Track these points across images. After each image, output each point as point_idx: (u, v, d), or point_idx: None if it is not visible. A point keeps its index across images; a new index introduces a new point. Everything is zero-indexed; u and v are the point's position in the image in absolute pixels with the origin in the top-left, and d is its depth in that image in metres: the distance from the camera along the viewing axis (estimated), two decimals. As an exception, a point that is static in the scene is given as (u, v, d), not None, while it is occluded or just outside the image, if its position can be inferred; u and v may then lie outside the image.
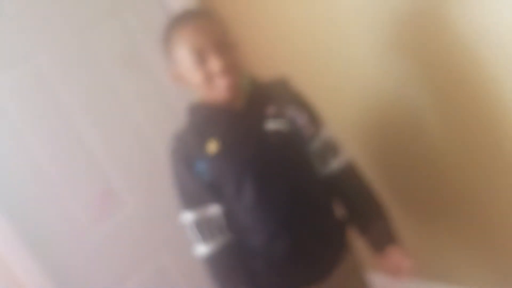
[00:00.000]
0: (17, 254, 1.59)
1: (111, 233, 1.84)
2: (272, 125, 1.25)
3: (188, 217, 1.29)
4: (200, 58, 1.17)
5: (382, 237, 1.34)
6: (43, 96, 1.72)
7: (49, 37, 1.75)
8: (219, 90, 1.20)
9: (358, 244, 1.46)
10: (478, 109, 1.47)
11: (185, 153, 1.27)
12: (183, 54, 1.18)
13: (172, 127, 1.34)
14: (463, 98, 1.48)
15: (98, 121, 1.84)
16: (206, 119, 1.28)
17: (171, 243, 1.96)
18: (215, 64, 1.16)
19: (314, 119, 1.34)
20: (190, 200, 1.28)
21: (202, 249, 1.29)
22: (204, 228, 1.27)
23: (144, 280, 1.90)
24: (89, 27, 1.84)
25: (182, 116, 1.34)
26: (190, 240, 1.32)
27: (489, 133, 1.49)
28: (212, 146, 1.24)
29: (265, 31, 1.96)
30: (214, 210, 1.27)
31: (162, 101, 2.01)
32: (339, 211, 1.40)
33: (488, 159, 1.54)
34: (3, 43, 1.66)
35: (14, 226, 1.59)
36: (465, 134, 1.56)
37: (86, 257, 1.78)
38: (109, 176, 1.86)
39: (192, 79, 1.21)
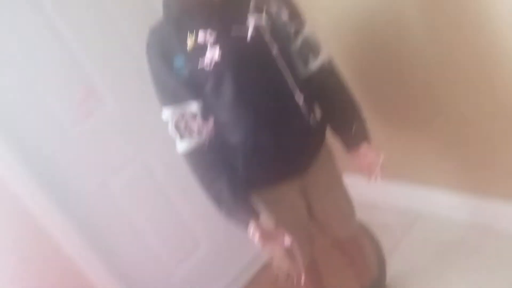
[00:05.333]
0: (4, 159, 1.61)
1: (93, 131, 1.86)
2: (253, 20, 1.21)
3: (166, 114, 1.29)
4: None
5: (356, 135, 1.37)
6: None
7: None
8: None
9: (334, 146, 1.51)
10: (462, 20, 1.46)
11: (163, 48, 1.24)
12: None
13: (151, 23, 1.30)
14: (447, 9, 1.47)
15: (77, 19, 1.79)
16: (184, 12, 1.23)
17: (154, 140, 2.00)
18: None
19: (296, 16, 1.30)
20: (168, 96, 1.27)
21: (181, 145, 1.31)
22: (182, 126, 1.28)
23: (129, 178, 1.96)
24: None
25: (160, 11, 1.29)
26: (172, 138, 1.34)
27: (471, 45, 1.50)
28: (191, 41, 1.21)
29: None
30: (192, 107, 1.27)
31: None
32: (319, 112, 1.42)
33: (469, 69, 1.57)
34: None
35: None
36: (448, 45, 1.56)
37: (70, 157, 1.81)
38: (90, 75, 1.84)
39: None
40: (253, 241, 1.31)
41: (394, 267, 1.97)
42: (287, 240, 1.24)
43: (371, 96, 1.92)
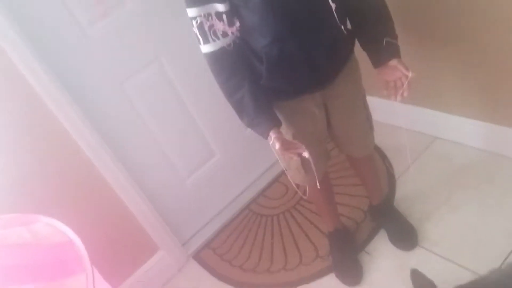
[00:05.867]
0: (21, 53, 1.57)
1: (110, 31, 1.80)
2: None
3: (191, 14, 1.23)
4: None
5: (387, 50, 1.32)
6: None
7: None
8: None
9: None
10: None
11: None
12: None
13: None
14: None
15: None
16: None
17: (173, 43, 1.95)
18: None
19: None
20: None
21: (205, 46, 1.26)
22: (207, 27, 1.22)
23: (145, 80, 1.93)
24: None
25: None
26: (194, 42, 1.28)
27: None
28: None
29: None
30: (218, 7, 1.21)
31: None
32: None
33: None
34: None
35: (20, 27, 1.56)
36: None
37: (87, 57, 1.77)
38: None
39: None
40: (273, 150, 1.32)
41: (403, 188, 2.01)
42: (306, 152, 1.25)
43: (403, 15, 1.83)
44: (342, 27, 1.28)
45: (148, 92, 1.96)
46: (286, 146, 1.26)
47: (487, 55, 1.70)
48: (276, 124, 1.29)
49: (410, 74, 1.29)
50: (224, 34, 1.23)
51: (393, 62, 1.32)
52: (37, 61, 1.60)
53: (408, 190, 1.99)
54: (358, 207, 2.02)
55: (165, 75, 1.99)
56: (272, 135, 1.26)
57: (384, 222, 1.86)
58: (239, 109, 1.31)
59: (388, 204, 1.89)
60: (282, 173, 2.21)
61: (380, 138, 1.75)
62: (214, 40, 1.24)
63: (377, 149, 2.19)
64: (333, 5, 1.21)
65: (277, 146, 1.24)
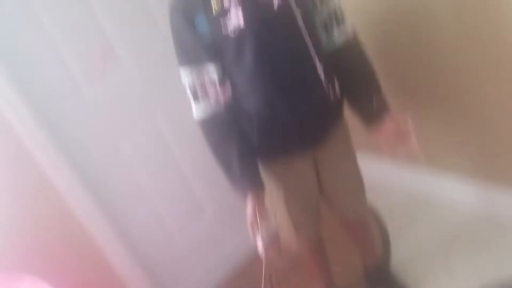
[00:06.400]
0: (22, 116, 1.61)
1: (108, 91, 1.85)
2: None
3: (184, 74, 1.28)
4: None
5: (377, 107, 1.34)
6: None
7: None
8: None
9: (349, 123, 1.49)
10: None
11: (186, 8, 1.22)
12: None
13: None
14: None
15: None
16: None
17: (169, 104, 2.00)
18: None
19: None
20: (187, 56, 1.26)
21: (197, 110, 1.30)
22: (199, 88, 1.27)
23: (140, 140, 1.96)
24: None
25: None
26: (187, 103, 1.32)
27: (488, 20, 1.47)
28: (216, 5, 1.19)
29: None
30: (210, 70, 1.25)
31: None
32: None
33: (486, 46, 1.54)
34: None
35: (19, 86, 1.60)
36: (466, 19, 1.54)
37: (84, 116, 1.81)
38: (108, 34, 1.82)
39: None
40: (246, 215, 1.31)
41: (399, 251, 1.97)
42: (260, 244, 1.25)
43: (390, 75, 1.89)
44: (331, 88, 1.32)
45: (142, 151, 1.97)
46: (254, 216, 1.27)
47: (486, 113, 1.72)
48: (257, 188, 1.30)
49: (407, 119, 1.30)
50: (216, 97, 1.27)
51: (387, 116, 1.34)
52: (32, 118, 1.63)
53: (403, 253, 1.95)
54: (354, 267, 1.96)
55: (159, 134, 2.02)
56: (250, 197, 1.28)
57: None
58: (226, 168, 1.32)
59: (384, 270, 1.85)
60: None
61: (373, 199, 1.74)
62: (205, 104, 1.28)
63: (370, 210, 2.17)
64: (321, 72, 1.26)
65: (248, 209, 1.26)
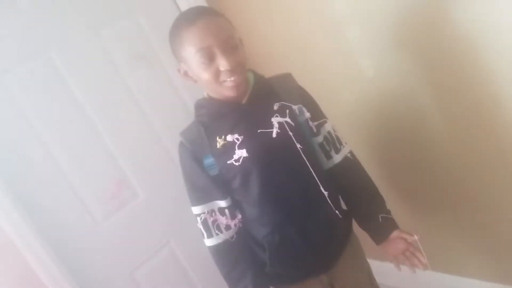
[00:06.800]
0: (34, 248, 1.65)
1: (123, 222, 1.91)
2: (278, 118, 1.27)
3: (195, 211, 1.35)
4: (208, 57, 1.17)
5: (384, 226, 1.38)
6: (55, 90, 1.78)
7: (63, 33, 1.81)
8: (227, 88, 1.22)
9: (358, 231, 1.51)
10: (479, 105, 1.49)
11: (193, 148, 1.31)
12: (191, 53, 1.18)
13: (181, 120, 1.40)
14: (464, 94, 1.51)
15: (110, 114, 1.90)
16: (213, 115, 1.31)
17: (182, 232, 2.03)
18: (223, 64, 1.17)
19: (317, 113, 1.38)
20: (198, 196, 1.33)
21: (209, 240, 1.35)
22: (210, 222, 1.32)
23: (156, 268, 1.97)
24: (103, 25, 1.91)
25: (191, 110, 1.39)
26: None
27: (490, 128, 1.52)
28: (220, 141, 1.28)
29: (266, 29, 2.00)
30: (221, 203, 1.32)
31: (172, 96, 2.07)
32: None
33: (489, 154, 1.57)
34: (17, 36, 1.71)
35: (31, 221, 1.66)
36: (466, 130, 1.58)
37: (98, 248, 1.84)
38: (122, 168, 1.92)
39: (200, 77, 1.24)
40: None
41: None
42: None
43: (395, 185, 1.94)
44: (337, 207, 1.36)
45: (158, 279, 1.97)
46: None
47: (502, 211, 1.70)
48: None
49: (416, 237, 1.32)
50: (227, 228, 1.32)
51: (394, 234, 1.37)
52: (45, 251, 1.66)
53: None
54: None
55: (175, 259, 2.03)
56: None
57: None
58: None
59: None
60: None
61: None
62: (217, 234, 1.32)
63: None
64: (325, 193, 1.31)
65: None
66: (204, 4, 2.09)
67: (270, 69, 1.47)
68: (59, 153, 1.78)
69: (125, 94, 1.95)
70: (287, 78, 1.39)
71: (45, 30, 1.77)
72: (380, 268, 1.61)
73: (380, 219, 1.38)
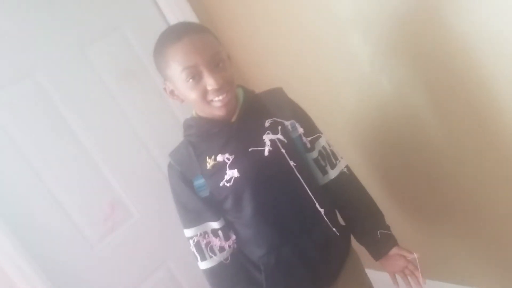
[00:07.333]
0: (28, 275, 1.61)
1: (118, 244, 1.87)
2: (269, 135, 1.23)
3: (188, 234, 1.30)
4: (194, 76, 1.13)
5: (383, 242, 1.35)
6: (43, 112, 1.75)
7: (49, 53, 1.78)
8: (215, 107, 1.18)
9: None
10: (476, 111, 1.46)
11: (182, 172, 1.27)
12: (176, 72, 1.14)
13: (173, 138, 1.36)
14: (461, 101, 1.47)
15: (100, 134, 1.86)
16: (202, 134, 1.27)
17: (179, 251, 1.98)
18: (210, 83, 1.13)
19: (310, 128, 1.34)
20: (190, 219, 1.29)
21: (203, 264, 1.30)
22: (203, 244, 1.28)
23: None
24: (89, 42, 1.87)
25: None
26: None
27: (487, 134, 1.49)
28: (210, 162, 1.24)
29: (261, 37, 1.97)
30: (214, 225, 1.28)
31: (164, 113, 2.03)
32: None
33: (488, 160, 1.54)
34: (2, 59, 1.67)
35: (23, 246, 1.62)
36: (464, 137, 1.55)
37: (94, 271, 1.80)
38: (115, 188, 1.88)
39: (186, 97, 1.20)
40: None
41: None
42: None
43: (396, 197, 1.90)
44: (334, 224, 1.31)
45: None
46: None
47: (504, 218, 1.66)
48: None
49: (415, 256, 1.29)
50: (221, 249, 1.28)
51: (394, 251, 1.34)
52: (39, 278, 1.62)
53: None
54: None
55: (173, 280, 1.99)
56: None
57: None
58: None
59: None
60: None
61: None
62: (211, 257, 1.28)
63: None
64: (321, 210, 1.27)
65: None
66: (192, 14, 2.05)
67: (263, 83, 1.43)
68: (50, 177, 1.74)
69: (116, 112, 1.91)
70: (278, 92, 1.34)
71: (29, 52, 1.74)
72: (379, 276, 1.57)
73: (378, 235, 1.34)
